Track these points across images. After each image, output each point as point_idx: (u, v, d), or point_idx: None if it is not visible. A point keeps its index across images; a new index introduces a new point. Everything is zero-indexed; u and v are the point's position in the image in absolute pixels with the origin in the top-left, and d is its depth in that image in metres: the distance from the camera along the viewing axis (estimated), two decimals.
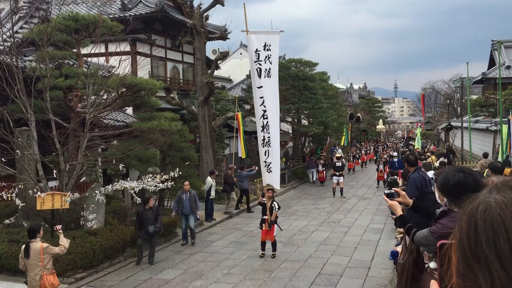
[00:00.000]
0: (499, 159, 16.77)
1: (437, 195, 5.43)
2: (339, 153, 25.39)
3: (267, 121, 10.65)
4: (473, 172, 3.40)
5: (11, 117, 10.04)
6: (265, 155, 10.81)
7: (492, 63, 36.71)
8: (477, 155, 25.75)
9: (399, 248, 6.13)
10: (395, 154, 26.43)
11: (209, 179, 16.17)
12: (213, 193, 16.00)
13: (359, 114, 49.90)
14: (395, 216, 4.23)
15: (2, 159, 9.91)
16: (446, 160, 18.67)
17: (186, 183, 12.90)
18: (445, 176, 3.39)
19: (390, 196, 4.01)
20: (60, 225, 8.12)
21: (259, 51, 10.51)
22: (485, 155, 20.86)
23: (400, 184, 13.31)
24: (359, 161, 35.89)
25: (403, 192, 4.11)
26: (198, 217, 13.02)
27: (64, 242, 7.57)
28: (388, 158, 27.18)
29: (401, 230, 5.69)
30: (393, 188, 4.32)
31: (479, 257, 0.86)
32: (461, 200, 1.01)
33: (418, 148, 32.39)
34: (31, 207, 10.42)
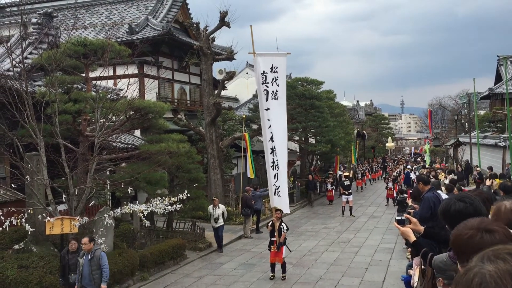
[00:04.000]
0: None
1: None
2: (347, 171, 25.39)
3: (275, 144, 10.63)
4: (475, 200, 3.37)
5: (20, 142, 10.11)
6: (274, 178, 10.71)
7: (498, 78, 36.62)
8: (487, 171, 25.53)
9: (411, 272, 6.04)
10: (409, 166, 31.05)
11: (209, 208, 15.01)
12: (212, 222, 14.68)
13: (364, 131, 49.81)
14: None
15: (12, 184, 9.95)
16: (456, 177, 18.49)
17: (84, 240, 8.39)
18: (446, 204, 3.40)
19: (401, 222, 3.98)
20: None
21: (266, 73, 10.53)
22: (490, 168, 21.07)
23: (409, 204, 13.18)
24: (365, 178, 35.62)
25: (414, 219, 4.07)
26: None
27: None
28: (402, 172, 28.41)
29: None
30: (404, 215, 4.28)
31: None
32: None
33: (429, 166, 32.06)
34: (41, 232, 10.40)
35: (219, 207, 14.81)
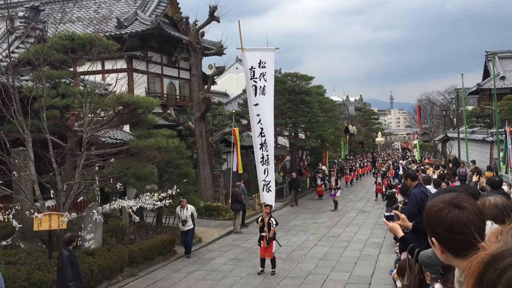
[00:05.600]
0: (500, 172, 16.78)
1: None
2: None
3: (265, 139, 10.60)
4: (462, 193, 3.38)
5: (7, 137, 9.98)
6: (264, 173, 10.69)
7: (486, 74, 36.94)
8: (470, 164, 25.80)
9: None
10: (401, 161, 31.72)
11: (176, 209, 13.87)
12: (180, 225, 13.67)
13: (349, 126, 49.91)
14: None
15: None
16: (444, 172, 18.63)
17: None
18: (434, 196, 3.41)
19: (390, 219, 4.01)
20: None
21: (254, 68, 10.50)
22: (473, 162, 21.50)
23: (399, 199, 13.25)
24: (355, 173, 35.67)
25: (403, 215, 4.10)
26: None
27: None
28: (390, 167, 28.62)
29: None
30: (393, 211, 4.32)
31: None
32: None
33: (419, 161, 32.23)
34: (28, 228, 10.32)
35: (187, 208, 13.56)
